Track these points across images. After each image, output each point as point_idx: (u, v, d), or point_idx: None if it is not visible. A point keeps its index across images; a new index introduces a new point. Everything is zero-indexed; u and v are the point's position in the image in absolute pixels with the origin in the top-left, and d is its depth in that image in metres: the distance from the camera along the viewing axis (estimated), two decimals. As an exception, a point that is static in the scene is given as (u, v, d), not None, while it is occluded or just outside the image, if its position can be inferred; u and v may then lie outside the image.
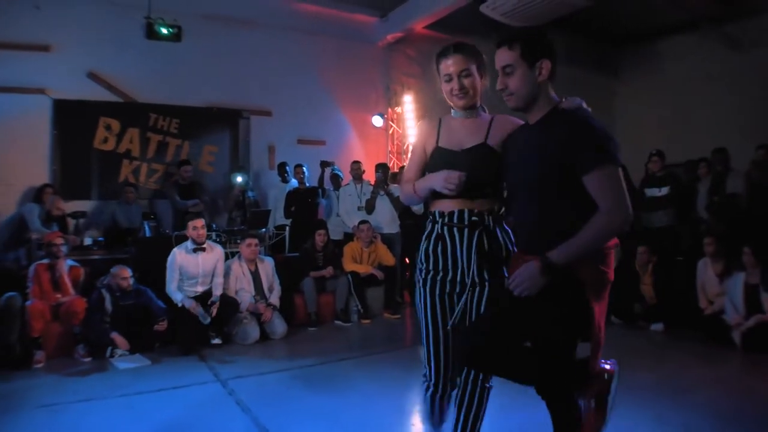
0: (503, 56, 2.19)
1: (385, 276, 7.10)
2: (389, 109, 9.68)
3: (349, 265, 7.00)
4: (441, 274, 2.41)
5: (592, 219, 2.01)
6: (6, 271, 5.69)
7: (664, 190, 7.14)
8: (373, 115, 9.39)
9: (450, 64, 2.39)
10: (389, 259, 7.21)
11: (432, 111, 9.51)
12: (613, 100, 11.39)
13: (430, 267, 2.43)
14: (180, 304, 5.63)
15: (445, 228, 2.39)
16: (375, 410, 3.91)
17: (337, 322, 6.75)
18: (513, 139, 2.36)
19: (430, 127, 2.56)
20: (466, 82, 2.40)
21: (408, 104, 9.44)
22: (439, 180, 2.31)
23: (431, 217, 2.48)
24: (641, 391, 4.03)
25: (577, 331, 2.14)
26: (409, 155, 2.49)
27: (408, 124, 9.47)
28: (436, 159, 2.46)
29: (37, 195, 6.57)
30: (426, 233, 2.48)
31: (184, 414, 3.92)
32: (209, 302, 5.71)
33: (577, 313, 2.06)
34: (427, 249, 2.45)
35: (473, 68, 2.39)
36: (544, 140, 2.15)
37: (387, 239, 7.57)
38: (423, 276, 2.46)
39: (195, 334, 5.58)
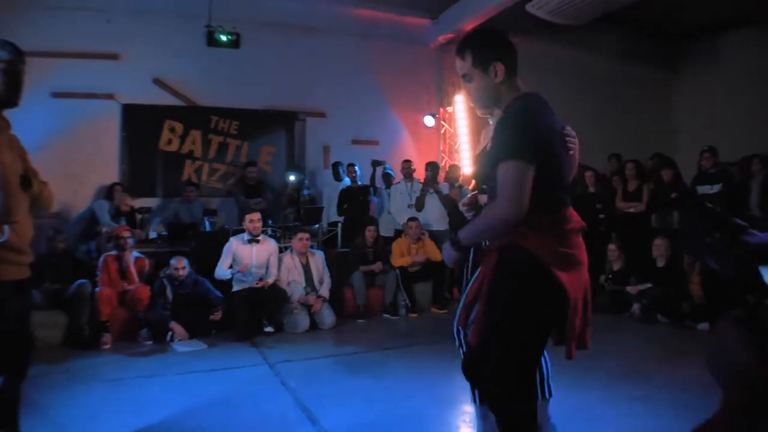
0: (458, 66, 2.21)
1: (433, 272, 7.24)
2: (441, 109, 9.83)
3: (397, 261, 7.19)
4: None
5: (488, 206, 2.10)
6: (78, 260, 6.16)
7: (716, 188, 6.97)
8: (425, 116, 9.56)
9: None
10: (437, 255, 7.34)
11: (482, 110, 9.62)
12: (671, 96, 11.16)
13: None
14: (230, 276, 6.01)
15: None
16: (410, 396, 4.07)
17: (385, 315, 6.94)
18: None
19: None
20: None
21: (459, 104, 9.55)
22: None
23: None
24: (688, 392, 3.92)
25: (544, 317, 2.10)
26: None
27: (459, 123, 9.59)
28: None
29: (107, 192, 7.09)
30: None
31: (232, 391, 4.22)
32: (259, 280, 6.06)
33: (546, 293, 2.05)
34: None
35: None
36: (493, 137, 2.23)
37: (436, 236, 7.71)
38: None
39: (249, 322, 5.89)
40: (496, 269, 2.11)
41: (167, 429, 3.53)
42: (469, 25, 8.95)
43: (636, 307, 6.50)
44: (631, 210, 7.54)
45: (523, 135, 2.01)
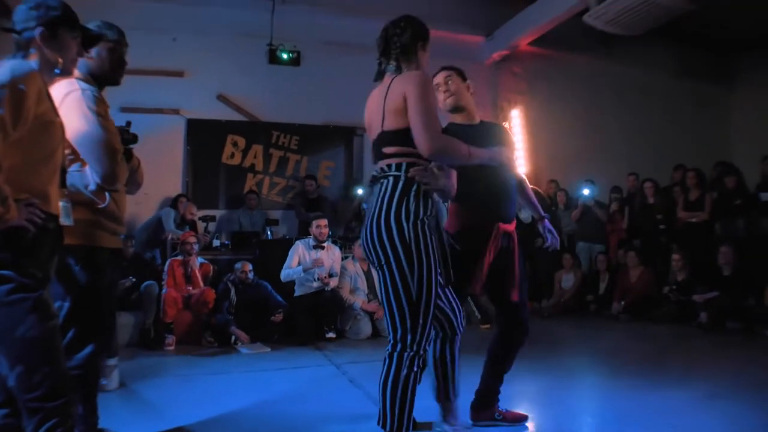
0: None
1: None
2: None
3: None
4: None
5: None
6: (145, 265, 6.27)
7: (780, 194, 6.78)
8: (482, 132, 9.51)
9: None
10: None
11: (538, 125, 9.55)
12: (728, 109, 10.83)
13: None
14: (300, 274, 6.02)
15: None
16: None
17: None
18: None
19: None
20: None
21: (515, 119, 9.48)
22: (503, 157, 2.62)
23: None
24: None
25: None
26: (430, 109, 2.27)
27: (516, 138, 9.50)
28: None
29: (172, 203, 7.23)
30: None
31: (300, 387, 4.18)
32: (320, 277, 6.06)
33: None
34: None
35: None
36: None
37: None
38: None
39: (311, 327, 5.87)
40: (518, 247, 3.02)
41: (237, 420, 3.48)
42: (523, 41, 8.96)
43: (703, 315, 6.31)
44: (694, 220, 7.37)
45: None
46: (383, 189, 2.35)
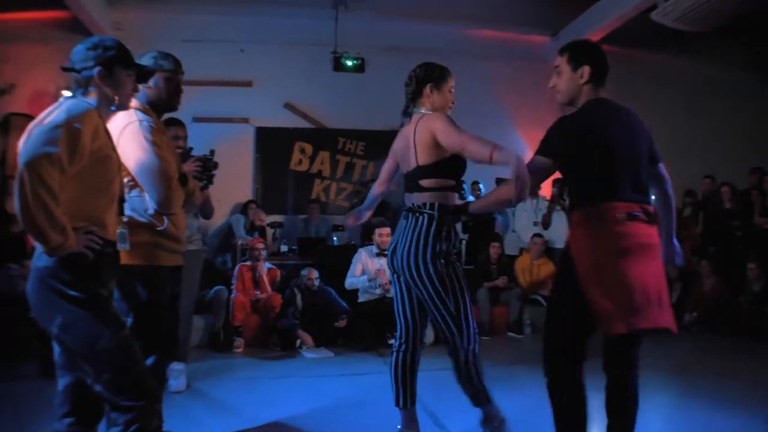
0: (556, 60, 2.58)
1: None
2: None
3: (520, 278, 7.02)
4: None
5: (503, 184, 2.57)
6: (215, 269, 6.54)
7: None
8: (548, 134, 9.35)
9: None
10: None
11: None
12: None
13: None
14: (364, 284, 6.15)
15: None
16: (539, 410, 3.92)
17: (510, 334, 6.75)
18: None
19: None
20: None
21: (584, 121, 9.26)
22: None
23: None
24: None
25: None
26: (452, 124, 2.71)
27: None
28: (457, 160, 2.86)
29: (242, 209, 7.51)
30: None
31: (359, 394, 4.29)
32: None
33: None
34: None
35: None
36: None
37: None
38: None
39: (373, 333, 5.96)
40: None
41: (294, 424, 3.61)
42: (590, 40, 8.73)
43: (783, 329, 5.99)
44: (771, 226, 6.96)
45: (546, 135, 2.47)
46: (419, 224, 2.78)
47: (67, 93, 2.24)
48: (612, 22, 7.91)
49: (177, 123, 4.04)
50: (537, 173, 2.44)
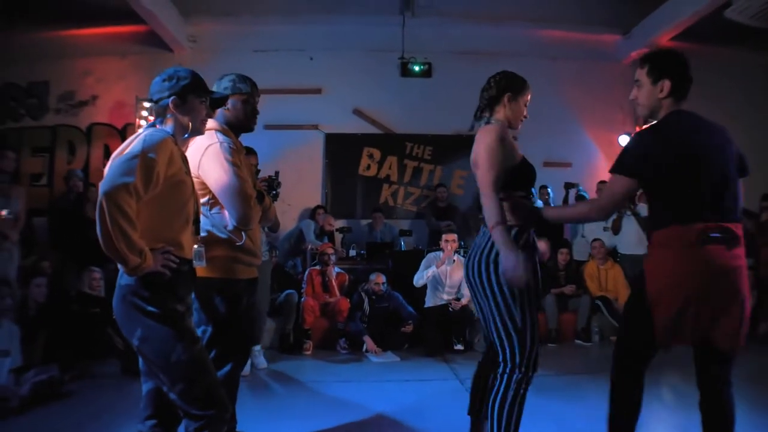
0: (637, 72, 2.55)
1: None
2: (636, 128, 9.31)
3: (589, 285, 6.93)
4: None
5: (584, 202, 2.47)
6: (286, 273, 6.76)
7: None
8: (620, 135, 9.10)
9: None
10: (621, 282, 6.99)
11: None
12: None
13: None
14: (426, 281, 6.24)
15: None
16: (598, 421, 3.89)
17: (577, 341, 6.68)
18: None
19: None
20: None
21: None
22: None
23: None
24: None
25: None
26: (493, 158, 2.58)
27: (660, 142, 9.02)
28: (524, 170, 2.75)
29: (311, 214, 7.72)
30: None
31: (422, 400, 4.36)
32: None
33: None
34: None
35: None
36: None
37: (633, 261, 7.30)
38: None
39: (439, 338, 6.03)
40: None
41: (361, 429, 3.74)
42: (663, 38, 8.44)
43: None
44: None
45: (624, 152, 2.44)
46: (485, 238, 2.63)
47: (146, 105, 2.46)
48: (687, 19, 7.65)
49: (251, 152, 4.28)
50: (618, 195, 2.45)
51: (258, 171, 3.48)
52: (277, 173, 3.29)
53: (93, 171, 8.11)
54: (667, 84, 2.41)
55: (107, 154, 8.06)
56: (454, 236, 6.41)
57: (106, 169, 2.17)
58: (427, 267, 6.31)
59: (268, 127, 7.91)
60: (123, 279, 2.21)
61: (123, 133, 8.20)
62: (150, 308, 2.19)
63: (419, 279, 6.32)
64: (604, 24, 8.86)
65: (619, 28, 8.94)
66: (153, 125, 2.37)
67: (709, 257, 2.29)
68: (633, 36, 8.84)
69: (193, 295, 2.54)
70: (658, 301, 2.36)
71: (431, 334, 6.04)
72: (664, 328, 2.34)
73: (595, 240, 7.17)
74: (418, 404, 4.24)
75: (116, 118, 8.43)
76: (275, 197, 3.22)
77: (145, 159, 2.12)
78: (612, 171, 2.43)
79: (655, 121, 2.47)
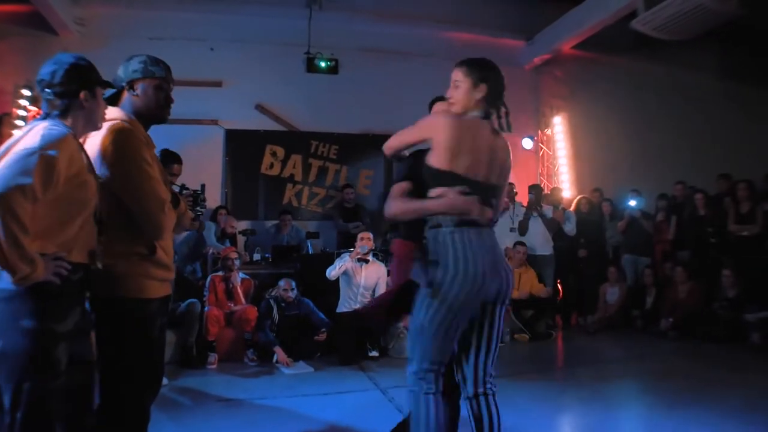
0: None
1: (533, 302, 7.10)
2: (539, 131, 9.53)
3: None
4: None
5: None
6: (185, 280, 6.22)
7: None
8: (523, 138, 9.27)
9: None
10: (534, 283, 7.11)
11: (583, 130, 9.29)
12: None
13: None
14: (339, 272, 5.94)
15: None
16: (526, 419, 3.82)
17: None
18: None
19: None
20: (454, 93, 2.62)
21: (558, 125, 9.26)
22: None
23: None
24: None
25: None
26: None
27: (558, 145, 9.27)
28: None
29: (212, 215, 7.19)
30: None
31: (346, 415, 4.07)
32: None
33: None
34: None
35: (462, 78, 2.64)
36: None
37: (540, 261, 7.42)
38: None
39: (353, 345, 5.76)
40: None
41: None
42: (566, 45, 8.72)
43: (756, 336, 6.09)
44: (745, 233, 7.04)
45: None
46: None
47: (26, 93, 2.13)
48: (590, 27, 7.89)
49: (176, 159, 3.81)
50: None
51: (183, 188, 2.93)
52: (203, 187, 2.91)
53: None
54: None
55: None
56: (369, 234, 6.17)
57: None
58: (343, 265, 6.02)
59: (164, 121, 7.32)
60: (2, 282, 1.91)
61: (-1, 123, 7.27)
62: (23, 322, 1.91)
63: (332, 270, 5.98)
64: (509, 30, 9.02)
65: (523, 33, 9.12)
66: (45, 118, 2.04)
67: None
68: (536, 42, 9.04)
69: (92, 315, 2.20)
70: None
71: (345, 341, 5.75)
72: None
73: (519, 244, 7.20)
74: (341, 420, 3.95)
75: (-8, 106, 7.48)
76: (198, 216, 2.80)
77: (44, 157, 1.88)
78: None
79: None
